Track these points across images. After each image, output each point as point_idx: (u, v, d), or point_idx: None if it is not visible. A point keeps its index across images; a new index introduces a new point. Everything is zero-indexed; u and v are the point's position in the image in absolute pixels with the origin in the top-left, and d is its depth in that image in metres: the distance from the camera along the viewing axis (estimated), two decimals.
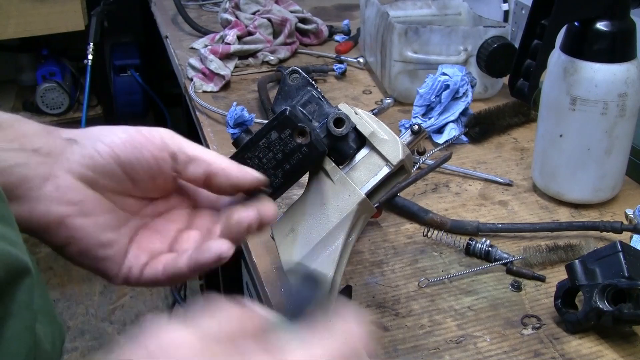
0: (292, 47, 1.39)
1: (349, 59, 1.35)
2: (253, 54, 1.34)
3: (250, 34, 1.35)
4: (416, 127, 0.64)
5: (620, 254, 0.63)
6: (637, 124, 0.83)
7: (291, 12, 1.45)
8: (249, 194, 0.50)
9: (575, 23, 0.79)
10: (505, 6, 1.40)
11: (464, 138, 1.03)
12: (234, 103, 1.01)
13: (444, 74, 1.01)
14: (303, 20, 1.46)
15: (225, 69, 1.25)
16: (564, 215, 0.85)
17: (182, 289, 2.00)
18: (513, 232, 0.81)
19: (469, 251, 0.77)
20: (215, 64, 1.24)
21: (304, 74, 0.59)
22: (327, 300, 0.53)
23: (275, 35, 1.39)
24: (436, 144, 1.00)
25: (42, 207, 0.44)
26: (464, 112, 1.02)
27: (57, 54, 2.58)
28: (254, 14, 1.41)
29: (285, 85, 0.59)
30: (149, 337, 0.34)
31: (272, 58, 1.34)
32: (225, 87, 1.25)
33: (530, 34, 0.80)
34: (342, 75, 1.29)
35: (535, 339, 0.66)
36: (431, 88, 1.00)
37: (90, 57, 2.17)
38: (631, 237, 0.77)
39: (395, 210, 0.86)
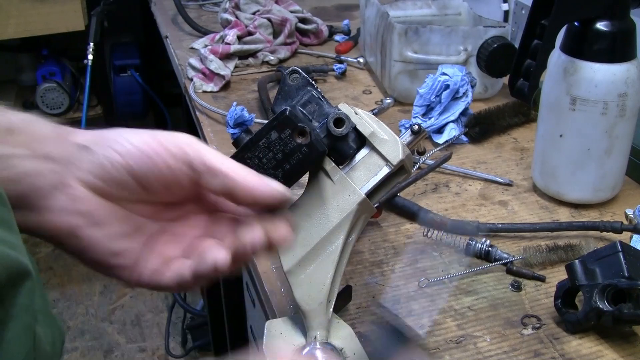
0: (292, 47, 1.39)
1: (349, 59, 1.35)
2: (253, 54, 1.34)
3: (250, 34, 1.35)
4: (416, 127, 0.64)
5: (620, 254, 0.63)
6: (637, 124, 0.83)
7: (291, 12, 1.45)
8: (269, 210, 0.48)
9: (575, 23, 0.79)
10: (505, 6, 1.40)
11: (464, 138, 1.03)
12: (234, 103, 1.01)
13: (444, 74, 1.01)
14: (303, 20, 1.46)
15: (225, 69, 1.25)
16: (564, 215, 0.85)
17: None
18: (513, 232, 0.81)
19: (469, 251, 0.77)
20: (215, 64, 1.24)
21: (304, 74, 0.59)
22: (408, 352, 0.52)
23: (275, 35, 1.39)
24: (436, 144, 1.00)
25: (52, 217, 0.43)
26: (464, 112, 1.02)
27: (57, 54, 2.58)
28: (254, 14, 1.41)
29: (285, 85, 0.59)
30: None
31: (272, 58, 1.34)
32: (225, 87, 1.25)
33: (530, 34, 0.80)
34: (342, 75, 1.29)
35: (535, 339, 0.66)
36: (431, 88, 1.00)
37: (90, 57, 2.17)
38: (631, 237, 0.77)
39: (395, 210, 0.86)
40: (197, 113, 1.16)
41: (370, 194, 0.58)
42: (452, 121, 1.01)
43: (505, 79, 0.95)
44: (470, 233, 0.81)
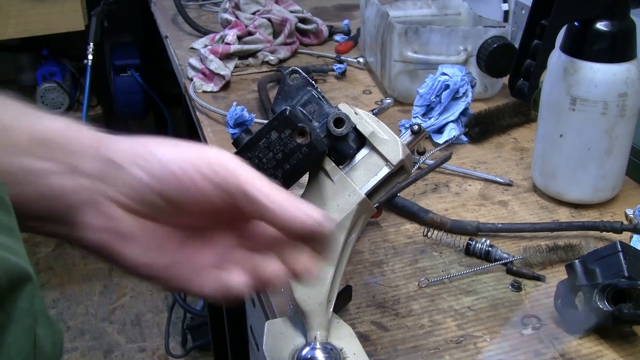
0: (292, 47, 1.39)
1: (349, 59, 1.35)
2: (253, 54, 1.34)
3: (250, 34, 1.35)
4: (416, 127, 0.64)
5: (620, 254, 0.63)
6: (637, 124, 0.83)
7: (291, 12, 1.45)
8: (305, 239, 0.45)
9: (575, 23, 0.79)
10: (505, 6, 1.40)
11: (464, 138, 1.03)
12: (234, 103, 1.01)
13: (444, 74, 1.01)
14: (303, 20, 1.46)
15: (225, 69, 1.25)
16: (564, 215, 0.85)
17: None
18: (513, 232, 0.81)
19: (469, 251, 0.77)
20: (215, 64, 1.25)
21: (304, 74, 0.59)
22: None
23: (275, 35, 1.39)
24: (436, 144, 1.00)
25: (84, 233, 0.43)
26: (464, 112, 1.02)
27: (57, 54, 2.58)
28: (254, 14, 1.41)
29: (285, 85, 0.59)
30: None
31: (272, 58, 1.34)
32: (225, 87, 1.25)
33: (530, 34, 0.80)
34: (342, 75, 1.29)
35: (535, 339, 0.66)
36: (431, 88, 1.00)
37: (90, 57, 2.17)
38: (631, 237, 0.77)
39: (395, 210, 0.86)
40: (197, 113, 1.16)
41: (370, 194, 0.58)
42: (452, 121, 1.01)
43: (505, 79, 0.95)
44: (470, 233, 0.81)
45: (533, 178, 0.91)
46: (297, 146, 0.54)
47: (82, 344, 2.15)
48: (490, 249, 0.76)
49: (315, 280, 0.57)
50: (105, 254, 0.43)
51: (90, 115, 2.43)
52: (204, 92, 1.23)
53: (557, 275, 0.74)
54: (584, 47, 0.78)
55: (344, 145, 0.58)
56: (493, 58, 1.09)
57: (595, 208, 0.86)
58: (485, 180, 0.93)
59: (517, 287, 0.73)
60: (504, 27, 1.13)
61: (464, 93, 1.01)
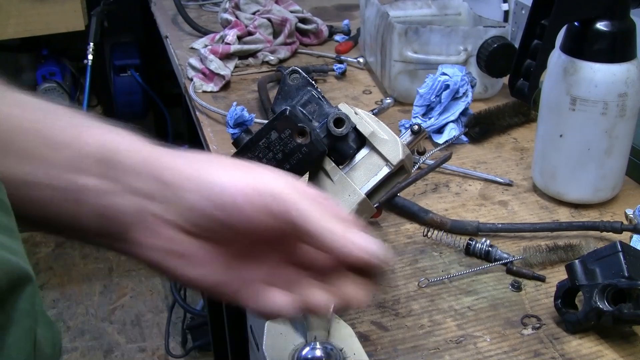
0: (292, 47, 1.39)
1: (349, 59, 1.35)
2: (253, 54, 1.34)
3: (250, 34, 1.35)
4: (416, 127, 0.64)
5: (620, 254, 0.63)
6: (637, 124, 0.83)
7: (291, 12, 1.45)
8: (354, 270, 0.44)
9: (575, 23, 0.79)
10: (505, 6, 1.40)
11: (464, 138, 1.03)
12: (234, 103, 1.01)
13: (444, 74, 1.01)
14: (303, 20, 1.46)
15: (225, 69, 1.25)
16: (564, 215, 0.85)
17: (182, 289, 2.00)
18: (513, 232, 0.81)
19: (469, 251, 0.77)
20: (215, 64, 1.25)
21: (304, 74, 0.59)
22: None
23: (275, 35, 1.39)
24: (436, 144, 1.00)
25: (139, 250, 0.43)
26: (464, 112, 1.02)
27: (57, 54, 2.58)
28: (254, 14, 1.41)
29: (285, 85, 0.59)
30: None
31: (272, 58, 1.34)
32: (225, 87, 1.25)
33: (530, 34, 0.80)
34: (342, 75, 1.29)
35: (535, 339, 0.66)
36: (431, 88, 1.00)
37: (90, 57, 2.17)
38: (631, 237, 0.77)
39: (395, 210, 0.86)
40: (197, 113, 1.16)
41: (370, 194, 0.58)
42: (452, 121, 1.01)
43: (505, 79, 0.95)
44: (470, 233, 0.81)
45: (533, 178, 0.91)
46: (297, 146, 0.54)
47: (82, 344, 2.15)
48: (490, 249, 0.76)
49: None
50: (158, 269, 0.43)
51: None
52: (204, 92, 1.23)
53: (557, 275, 0.74)
54: (584, 47, 0.78)
55: (344, 145, 0.58)
56: (493, 58, 1.09)
57: (595, 208, 0.86)
58: (485, 180, 0.93)
59: (517, 287, 0.73)
60: (504, 27, 1.13)
61: (464, 93, 1.01)
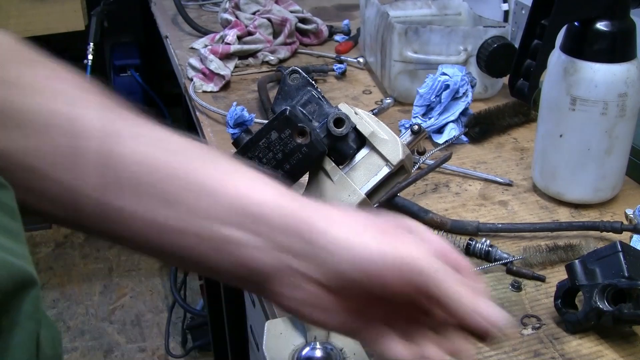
0: (292, 47, 1.39)
1: (349, 59, 1.35)
2: (253, 54, 1.34)
3: (250, 34, 1.35)
4: (416, 127, 0.64)
5: (620, 254, 0.63)
6: (637, 124, 0.83)
7: (291, 12, 1.45)
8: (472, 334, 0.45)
9: (575, 23, 0.79)
10: (505, 6, 1.40)
11: (464, 138, 1.03)
12: (234, 103, 1.01)
13: (444, 74, 1.01)
14: (303, 20, 1.46)
15: (225, 69, 1.25)
16: (564, 215, 0.85)
17: (182, 289, 2.00)
18: (513, 232, 0.81)
19: (469, 251, 0.77)
20: (215, 64, 1.25)
21: (304, 74, 0.59)
22: None
23: (275, 35, 1.39)
24: (436, 144, 1.00)
25: (276, 298, 0.43)
26: (464, 112, 1.02)
27: (57, 54, 2.57)
28: (254, 14, 1.41)
29: (285, 85, 0.59)
30: None
31: (272, 58, 1.34)
32: (225, 87, 1.25)
33: (530, 34, 0.80)
34: (342, 75, 1.29)
35: (535, 339, 0.66)
36: (431, 88, 1.00)
37: (90, 57, 2.17)
38: (631, 237, 0.77)
39: (395, 210, 0.86)
40: (197, 113, 1.16)
41: (370, 194, 0.58)
42: (452, 121, 1.01)
43: (505, 79, 0.95)
44: (470, 233, 0.81)
45: (533, 178, 0.91)
46: (297, 146, 0.54)
47: (82, 344, 2.15)
48: (490, 249, 0.76)
49: None
50: (294, 314, 0.44)
51: None
52: (204, 92, 1.23)
53: (557, 275, 0.74)
54: (584, 47, 0.78)
55: (344, 145, 0.58)
56: (493, 58, 1.09)
57: (595, 208, 0.86)
58: (485, 180, 0.93)
59: (517, 287, 0.73)
60: (504, 27, 1.13)
61: (464, 93, 1.01)
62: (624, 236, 0.77)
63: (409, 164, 0.60)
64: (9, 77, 0.44)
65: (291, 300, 0.43)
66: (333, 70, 1.28)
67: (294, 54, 1.40)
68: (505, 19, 1.39)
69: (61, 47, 2.58)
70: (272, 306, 0.71)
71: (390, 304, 0.43)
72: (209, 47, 1.30)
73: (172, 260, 0.44)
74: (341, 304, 0.43)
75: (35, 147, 0.42)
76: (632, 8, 0.78)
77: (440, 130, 1.02)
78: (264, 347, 0.62)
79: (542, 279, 0.73)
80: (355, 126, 0.57)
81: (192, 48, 1.42)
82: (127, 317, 2.26)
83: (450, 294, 0.41)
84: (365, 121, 0.58)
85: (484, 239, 0.77)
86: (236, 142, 0.58)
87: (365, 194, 0.57)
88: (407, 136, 0.64)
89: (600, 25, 0.77)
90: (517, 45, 0.85)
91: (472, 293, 0.42)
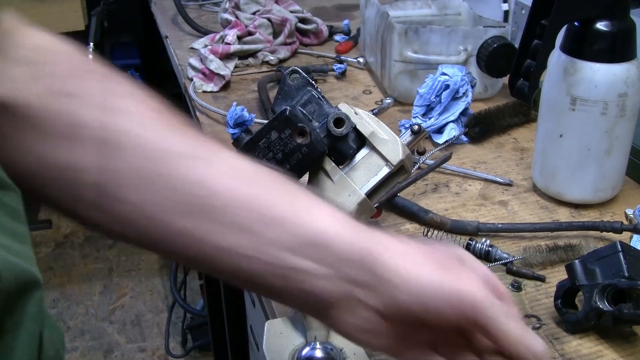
0: (292, 47, 1.39)
1: (349, 59, 1.35)
2: (253, 54, 1.34)
3: (250, 34, 1.35)
4: (416, 127, 0.64)
5: (620, 254, 0.63)
6: (637, 124, 0.83)
7: (291, 12, 1.45)
8: None
9: (575, 23, 0.79)
10: (505, 6, 1.40)
11: (464, 138, 1.03)
12: (234, 103, 1.01)
13: (444, 74, 1.01)
14: (303, 20, 1.46)
15: (225, 69, 1.25)
16: (564, 215, 0.85)
17: (182, 289, 2.00)
18: (513, 232, 0.81)
19: (469, 251, 0.77)
20: (215, 64, 1.25)
21: (304, 74, 0.59)
22: None
23: (275, 35, 1.39)
24: (436, 144, 1.00)
25: (334, 323, 0.45)
26: (464, 112, 1.02)
27: None
28: (254, 14, 1.41)
29: (285, 85, 0.59)
30: None
31: (272, 58, 1.34)
32: (225, 87, 1.25)
33: (530, 34, 0.80)
34: (342, 75, 1.29)
35: None
36: (431, 88, 1.00)
37: (90, 57, 2.17)
38: (631, 237, 0.77)
39: (395, 210, 0.86)
40: (197, 113, 1.16)
41: (370, 194, 0.58)
42: (452, 121, 1.01)
43: (505, 79, 0.95)
44: (470, 233, 0.81)
45: (533, 178, 0.91)
46: (297, 146, 0.54)
47: (82, 344, 2.15)
48: (490, 249, 0.76)
49: None
50: (346, 337, 0.46)
51: None
52: (204, 92, 1.23)
53: (557, 275, 0.74)
54: (584, 47, 0.78)
55: (344, 145, 0.58)
56: (493, 58, 1.09)
57: (595, 208, 0.86)
58: (485, 180, 0.93)
59: (517, 287, 0.73)
60: (504, 27, 1.13)
61: (464, 93, 1.01)
62: (624, 236, 0.77)
63: (409, 164, 0.60)
64: (98, 99, 0.47)
65: (348, 325, 0.44)
66: (333, 70, 1.28)
67: (294, 54, 1.40)
68: (505, 19, 1.39)
69: None
70: (272, 306, 0.71)
71: (437, 329, 0.45)
72: (209, 47, 1.30)
73: (236, 282, 0.46)
74: (392, 329, 0.45)
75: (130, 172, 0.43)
76: (632, 8, 0.78)
77: (440, 130, 1.02)
78: (264, 347, 0.62)
79: (542, 279, 0.73)
80: (355, 126, 0.57)
81: (192, 48, 1.42)
82: (127, 317, 2.26)
83: (501, 326, 0.43)
84: (365, 121, 0.58)
85: (484, 239, 0.77)
86: (236, 142, 0.58)
87: (365, 194, 0.57)
88: (407, 136, 0.64)
89: (600, 25, 0.77)
90: (517, 45, 0.85)
91: (520, 325, 0.44)
